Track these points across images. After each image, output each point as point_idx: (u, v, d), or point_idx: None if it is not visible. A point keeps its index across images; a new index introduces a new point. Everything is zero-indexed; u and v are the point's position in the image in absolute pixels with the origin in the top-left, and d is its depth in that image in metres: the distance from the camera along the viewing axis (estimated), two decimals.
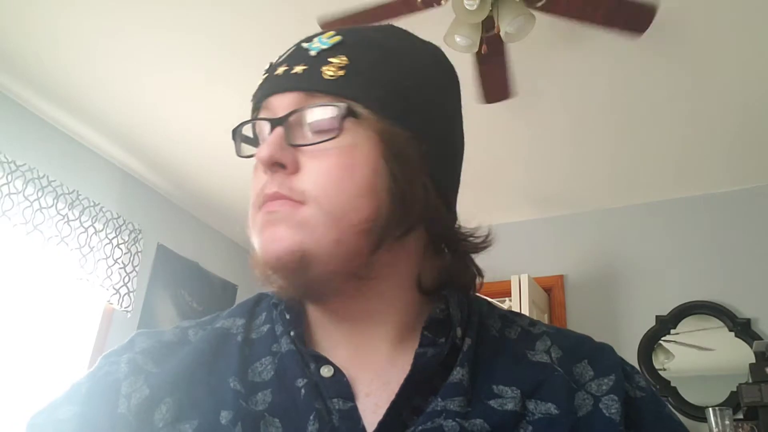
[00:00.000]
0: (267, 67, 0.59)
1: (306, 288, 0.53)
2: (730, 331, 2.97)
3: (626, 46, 2.38)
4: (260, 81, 0.58)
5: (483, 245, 0.62)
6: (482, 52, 2.18)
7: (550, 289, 3.40)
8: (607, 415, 0.52)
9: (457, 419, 0.49)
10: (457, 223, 0.62)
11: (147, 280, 3.46)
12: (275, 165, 0.52)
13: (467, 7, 1.99)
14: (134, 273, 3.32)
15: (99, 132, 3.19)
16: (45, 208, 2.91)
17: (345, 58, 0.54)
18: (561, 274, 3.42)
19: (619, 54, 2.45)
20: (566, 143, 3.05)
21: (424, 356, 0.52)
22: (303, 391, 0.51)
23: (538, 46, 2.41)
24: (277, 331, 0.58)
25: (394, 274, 0.56)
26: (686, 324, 3.08)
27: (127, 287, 3.26)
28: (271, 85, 0.56)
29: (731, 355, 2.93)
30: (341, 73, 0.53)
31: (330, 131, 0.52)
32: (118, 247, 3.26)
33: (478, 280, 0.62)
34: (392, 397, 0.51)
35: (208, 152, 3.28)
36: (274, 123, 0.53)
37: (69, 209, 3.03)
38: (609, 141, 3.01)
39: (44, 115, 3.06)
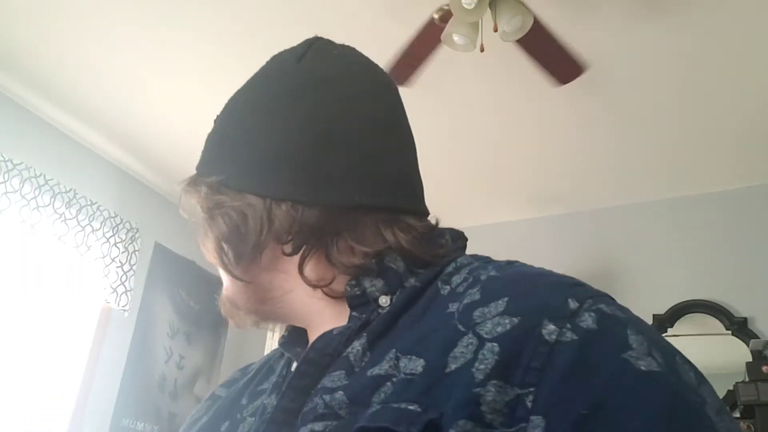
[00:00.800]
0: None
1: (251, 316, 0.63)
2: (727, 329, 2.97)
3: (626, 48, 2.38)
4: None
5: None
6: (481, 50, 2.19)
7: None
8: (471, 370, 0.43)
9: (324, 396, 0.48)
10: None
11: (144, 279, 3.45)
12: None
13: (465, 5, 1.99)
14: (131, 272, 3.32)
15: (96, 130, 3.18)
16: (42, 206, 2.90)
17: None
18: None
19: (618, 54, 2.45)
20: (565, 142, 3.05)
21: (327, 336, 0.53)
22: (269, 388, 0.58)
23: None
24: None
25: (294, 284, 0.58)
26: (683, 323, 3.08)
27: (125, 286, 3.25)
28: None
29: (728, 353, 2.93)
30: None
31: None
32: (116, 246, 3.25)
33: (404, 242, 0.56)
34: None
35: None
36: None
37: (66, 208, 3.02)
38: (607, 140, 3.01)
39: (41, 113, 3.05)
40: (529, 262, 0.54)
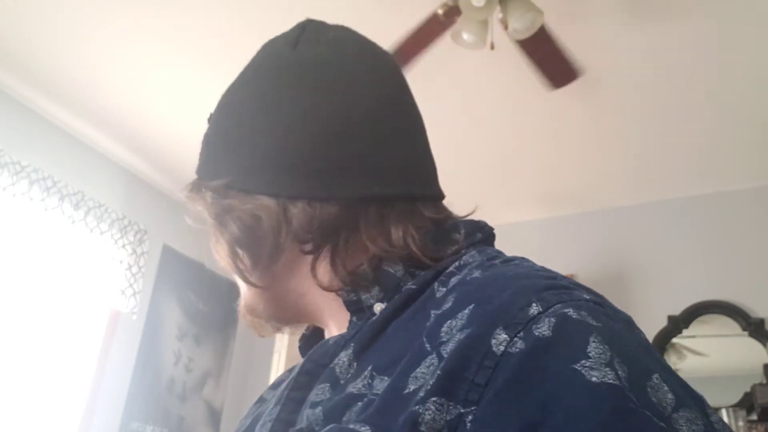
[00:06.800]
0: None
1: (271, 322, 0.61)
2: (744, 330, 2.92)
3: (640, 44, 2.34)
4: None
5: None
6: (491, 48, 2.16)
7: None
8: (409, 390, 0.39)
9: (308, 410, 0.46)
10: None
11: (153, 281, 3.45)
12: None
13: (474, 3, 1.97)
14: (140, 274, 3.31)
15: (104, 132, 3.18)
16: (50, 209, 2.90)
17: None
18: (571, 274, 3.38)
19: (634, 51, 2.42)
20: (577, 141, 3.02)
21: (324, 345, 0.51)
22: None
23: None
24: None
25: (309, 285, 0.56)
26: (699, 324, 3.04)
27: (133, 288, 3.24)
28: None
29: (745, 355, 2.88)
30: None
31: None
32: (124, 248, 3.24)
33: (397, 243, 0.52)
34: None
35: None
36: None
37: (74, 210, 3.02)
38: (620, 139, 2.97)
39: (49, 115, 3.05)
40: (541, 263, 0.50)
